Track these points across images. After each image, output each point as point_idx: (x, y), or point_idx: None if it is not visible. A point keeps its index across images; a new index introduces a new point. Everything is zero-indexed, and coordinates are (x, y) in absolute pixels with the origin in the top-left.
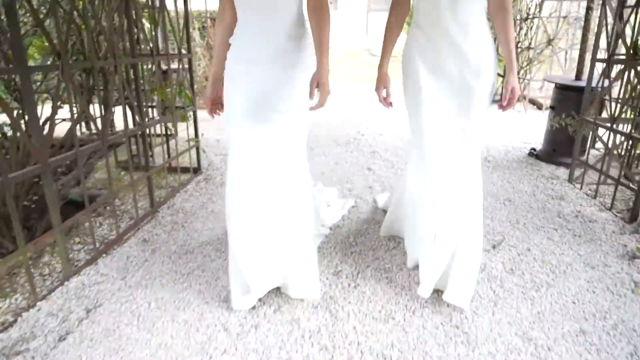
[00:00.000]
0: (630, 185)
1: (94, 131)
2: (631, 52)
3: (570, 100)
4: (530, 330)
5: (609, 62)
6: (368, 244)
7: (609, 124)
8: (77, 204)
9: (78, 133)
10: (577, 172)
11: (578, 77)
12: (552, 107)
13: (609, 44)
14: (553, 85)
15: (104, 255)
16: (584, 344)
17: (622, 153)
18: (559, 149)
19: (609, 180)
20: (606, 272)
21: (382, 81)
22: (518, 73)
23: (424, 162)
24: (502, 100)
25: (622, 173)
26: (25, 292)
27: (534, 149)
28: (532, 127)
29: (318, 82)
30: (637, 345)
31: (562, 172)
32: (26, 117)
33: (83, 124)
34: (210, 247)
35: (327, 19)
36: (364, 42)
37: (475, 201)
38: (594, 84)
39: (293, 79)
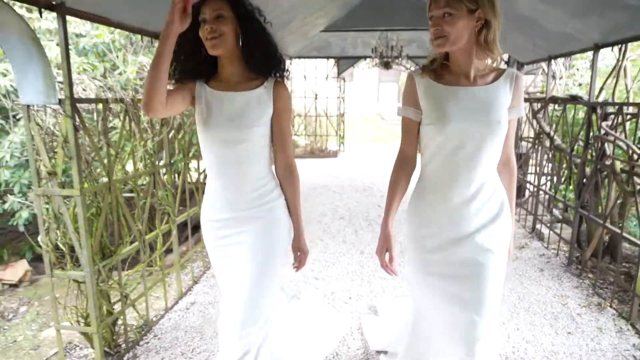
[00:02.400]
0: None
1: None
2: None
3: None
4: None
5: (521, 139)
6: None
7: (529, 178)
8: None
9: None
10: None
11: (515, 146)
12: None
13: (520, 127)
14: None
15: None
16: None
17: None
18: None
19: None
20: None
21: (384, 243)
22: None
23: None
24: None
25: (535, 209)
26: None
27: None
28: None
29: (299, 249)
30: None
31: None
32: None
33: None
34: None
35: (298, 185)
36: (375, 108)
37: None
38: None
39: (265, 238)
